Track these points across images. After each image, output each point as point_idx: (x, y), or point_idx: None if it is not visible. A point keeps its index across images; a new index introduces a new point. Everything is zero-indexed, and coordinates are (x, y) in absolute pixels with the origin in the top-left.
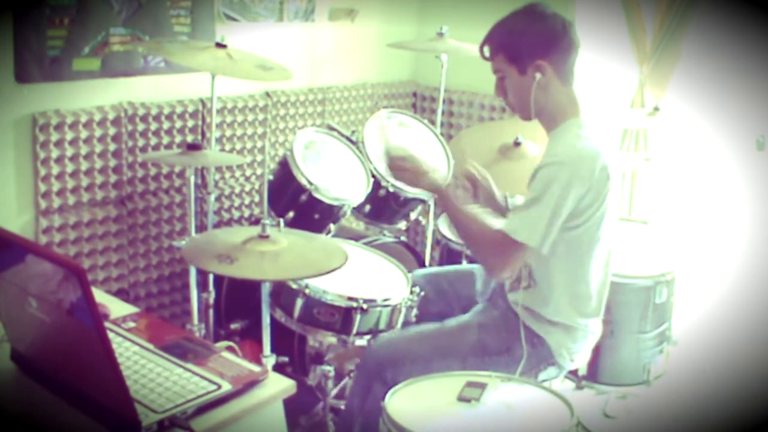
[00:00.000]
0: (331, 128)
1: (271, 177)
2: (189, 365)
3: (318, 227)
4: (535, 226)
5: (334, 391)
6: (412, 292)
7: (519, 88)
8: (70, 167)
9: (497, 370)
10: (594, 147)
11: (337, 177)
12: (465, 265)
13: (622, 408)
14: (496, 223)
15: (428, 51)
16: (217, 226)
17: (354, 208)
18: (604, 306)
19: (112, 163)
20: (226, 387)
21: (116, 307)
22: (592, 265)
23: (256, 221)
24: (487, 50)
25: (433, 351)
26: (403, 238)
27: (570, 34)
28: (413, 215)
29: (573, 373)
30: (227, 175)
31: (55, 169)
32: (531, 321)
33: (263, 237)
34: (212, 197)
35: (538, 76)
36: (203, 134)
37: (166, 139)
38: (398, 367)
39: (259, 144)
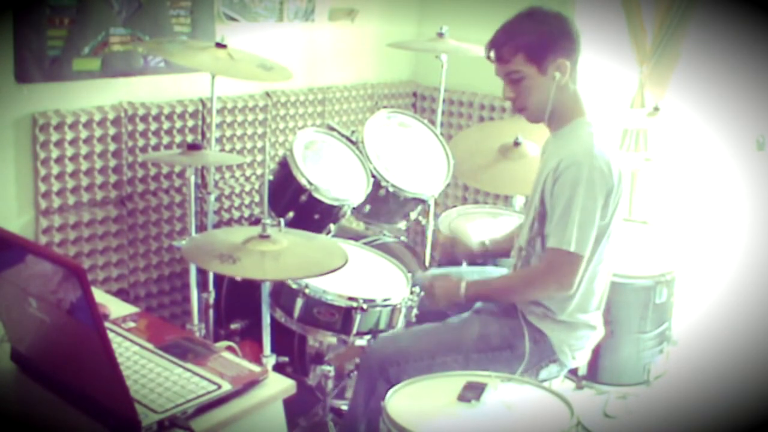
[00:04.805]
0: (331, 128)
1: (271, 177)
2: (189, 365)
3: (318, 227)
4: (580, 233)
5: (335, 392)
6: (412, 292)
7: (538, 88)
8: (70, 167)
9: (500, 365)
10: (609, 145)
11: (337, 177)
12: (465, 268)
13: (622, 408)
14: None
15: (428, 51)
16: (217, 226)
17: (354, 208)
18: (605, 300)
19: (112, 163)
20: (226, 387)
21: (116, 307)
22: (601, 264)
23: (256, 221)
24: (506, 52)
25: (435, 347)
26: (403, 238)
27: (579, 36)
28: (413, 215)
29: (573, 373)
30: (227, 175)
31: (55, 169)
32: (533, 317)
33: (263, 237)
34: (212, 197)
35: (557, 75)
36: (203, 134)
37: (166, 139)
38: (401, 364)
39: (259, 144)
